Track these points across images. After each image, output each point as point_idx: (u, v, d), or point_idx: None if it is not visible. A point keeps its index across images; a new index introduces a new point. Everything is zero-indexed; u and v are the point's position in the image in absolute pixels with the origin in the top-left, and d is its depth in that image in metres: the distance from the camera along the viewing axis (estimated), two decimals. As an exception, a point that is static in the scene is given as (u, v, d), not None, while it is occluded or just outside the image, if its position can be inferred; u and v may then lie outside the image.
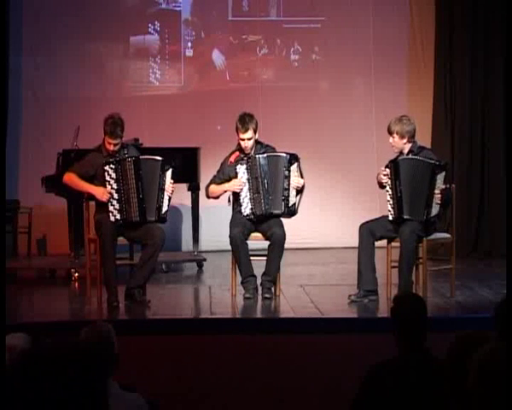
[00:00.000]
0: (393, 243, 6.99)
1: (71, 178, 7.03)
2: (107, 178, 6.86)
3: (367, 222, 7.02)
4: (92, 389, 1.85)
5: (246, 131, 7.07)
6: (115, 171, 6.88)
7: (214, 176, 7.29)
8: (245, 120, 7.08)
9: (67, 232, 8.70)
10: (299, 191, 7.18)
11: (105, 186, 6.88)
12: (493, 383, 2.38)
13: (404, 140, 6.95)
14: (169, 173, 7.02)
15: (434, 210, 6.84)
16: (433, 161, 6.88)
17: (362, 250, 6.93)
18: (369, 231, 6.92)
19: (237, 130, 7.11)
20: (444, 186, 6.85)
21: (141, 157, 7.03)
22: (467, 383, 2.46)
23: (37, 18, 10.10)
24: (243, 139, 7.10)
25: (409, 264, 6.82)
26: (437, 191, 6.81)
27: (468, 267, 8.54)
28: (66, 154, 8.52)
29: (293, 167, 7.12)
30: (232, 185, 7.16)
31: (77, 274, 8.16)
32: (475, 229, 9.53)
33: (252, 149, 7.18)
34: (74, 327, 4.39)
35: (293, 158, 7.14)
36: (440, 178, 6.84)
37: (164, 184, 6.99)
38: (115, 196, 6.88)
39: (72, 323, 6.11)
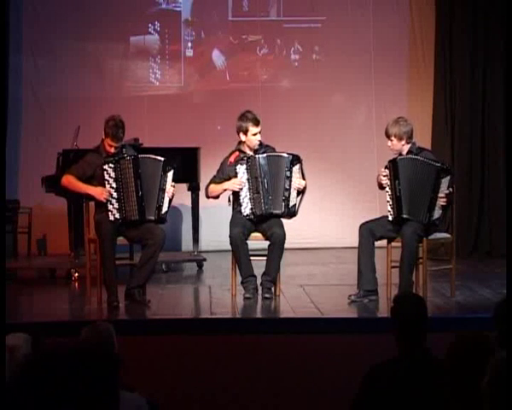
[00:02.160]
0: (393, 243, 6.98)
1: (69, 181, 7.01)
2: (107, 177, 6.85)
3: (367, 222, 7.01)
4: (106, 390, 1.84)
5: (258, 123, 7.06)
6: (114, 170, 6.87)
7: (214, 176, 7.28)
8: (254, 115, 7.08)
9: (67, 232, 8.70)
10: (301, 192, 7.16)
11: (104, 186, 6.86)
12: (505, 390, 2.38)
13: (403, 142, 6.94)
14: (170, 174, 7.01)
15: (437, 213, 6.83)
16: (438, 165, 6.86)
17: (362, 250, 6.92)
18: (369, 231, 6.91)
19: (247, 127, 7.04)
20: (448, 191, 6.85)
21: (142, 156, 7.03)
22: (482, 385, 2.45)
23: (37, 18, 10.10)
24: (256, 134, 7.06)
25: (410, 264, 6.81)
26: (442, 195, 6.80)
27: (468, 267, 8.53)
28: (66, 154, 8.52)
29: (296, 168, 7.10)
30: (232, 184, 7.14)
31: (77, 274, 8.15)
32: (475, 229, 9.52)
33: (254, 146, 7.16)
34: (74, 327, 4.40)
35: (296, 159, 7.11)
36: (445, 182, 6.83)
37: (165, 185, 6.98)
38: (114, 195, 6.87)
39: (72, 323, 6.11)
